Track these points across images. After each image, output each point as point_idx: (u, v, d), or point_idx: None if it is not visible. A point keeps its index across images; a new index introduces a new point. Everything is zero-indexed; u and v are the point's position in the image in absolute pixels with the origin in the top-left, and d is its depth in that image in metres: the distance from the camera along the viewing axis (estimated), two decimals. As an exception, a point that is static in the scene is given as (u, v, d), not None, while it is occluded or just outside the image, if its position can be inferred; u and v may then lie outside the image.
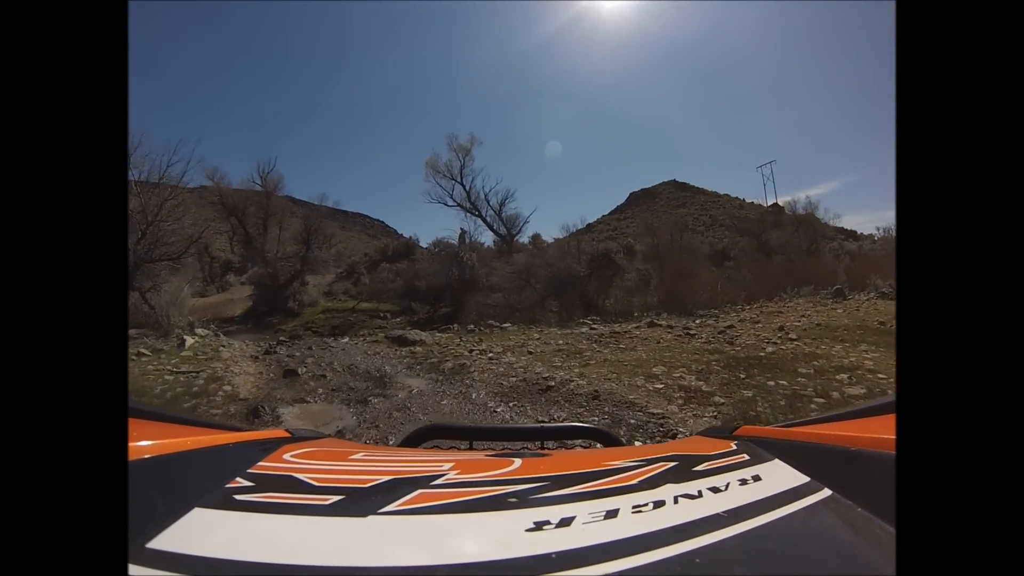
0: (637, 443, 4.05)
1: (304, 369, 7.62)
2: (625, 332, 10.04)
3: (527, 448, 1.17)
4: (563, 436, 1.32)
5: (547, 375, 6.44)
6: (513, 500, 0.49)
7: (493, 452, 0.88)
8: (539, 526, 0.43)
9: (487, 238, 28.86)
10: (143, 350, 8.36)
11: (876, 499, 0.45)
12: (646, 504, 0.48)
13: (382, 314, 18.81)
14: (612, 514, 0.45)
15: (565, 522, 0.43)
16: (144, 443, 0.57)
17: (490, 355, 8.25)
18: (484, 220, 29.16)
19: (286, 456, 0.67)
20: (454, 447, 1.21)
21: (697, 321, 11.28)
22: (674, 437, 4.19)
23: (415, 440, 1.27)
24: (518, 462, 0.68)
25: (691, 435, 1.49)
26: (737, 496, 0.50)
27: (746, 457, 0.65)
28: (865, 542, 0.41)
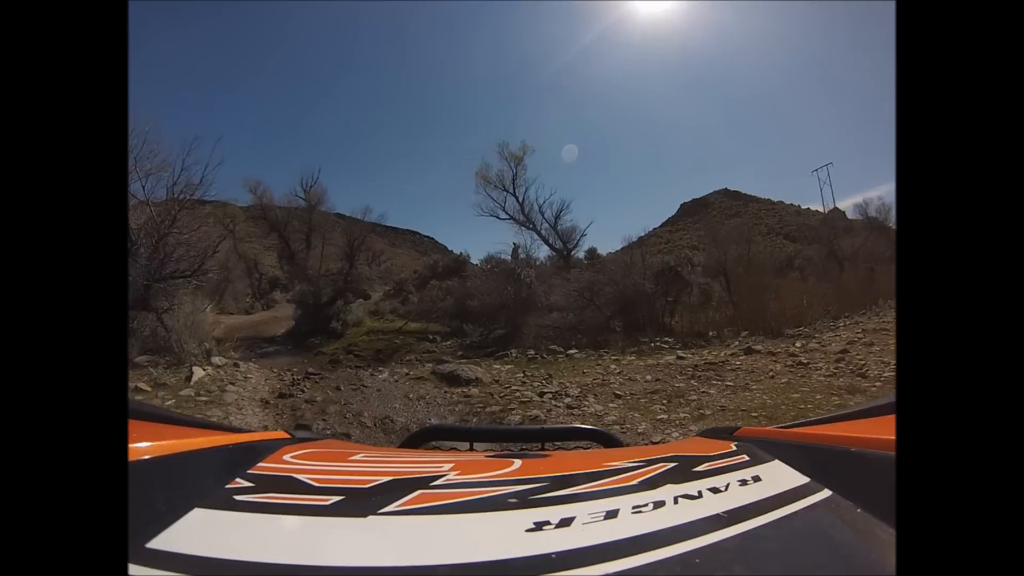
0: None
1: (323, 423, 6.09)
2: (721, 362, 8.46)
3: (527, 449, 1.18)
4: (563, 437, 1.36)
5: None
6: (513, 500, 0.50)
7: (493, 453, 0.88)
8: (539, 526, 0.43)
9: (541, 253, 27.05)
10: (142, 384, 6.77)
11: (876, 499, 0.44)
12: (646, 504, 0.48)
13: (431, 336, 17.12)
14: (612, 514, 0.45)
15: (565, 522, 0.43)
16: (144, 443, 0.56)
17: (567, 399, 6.74)
18: (539, 233, 26.46)
19: (286, 457, 0.67)
20: (454, 448, 1.22)
21: (798, 344, 9.47)
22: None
23: (415, 441, 1.28)
24: (518, 463, 0.68)
25: (691, 435, 1.45)
26: (737, 496, 0.50)
27: (746, 458, 0.65)
28: (865, 542, 0.41)
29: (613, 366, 9.23)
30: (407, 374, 9.30)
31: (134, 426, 0.53)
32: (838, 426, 0.73)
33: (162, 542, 0.39)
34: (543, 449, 1.24)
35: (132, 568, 0.35)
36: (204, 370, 8.07)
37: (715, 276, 16.43)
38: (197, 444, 0.64)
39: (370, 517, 0.45)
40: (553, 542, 0.40)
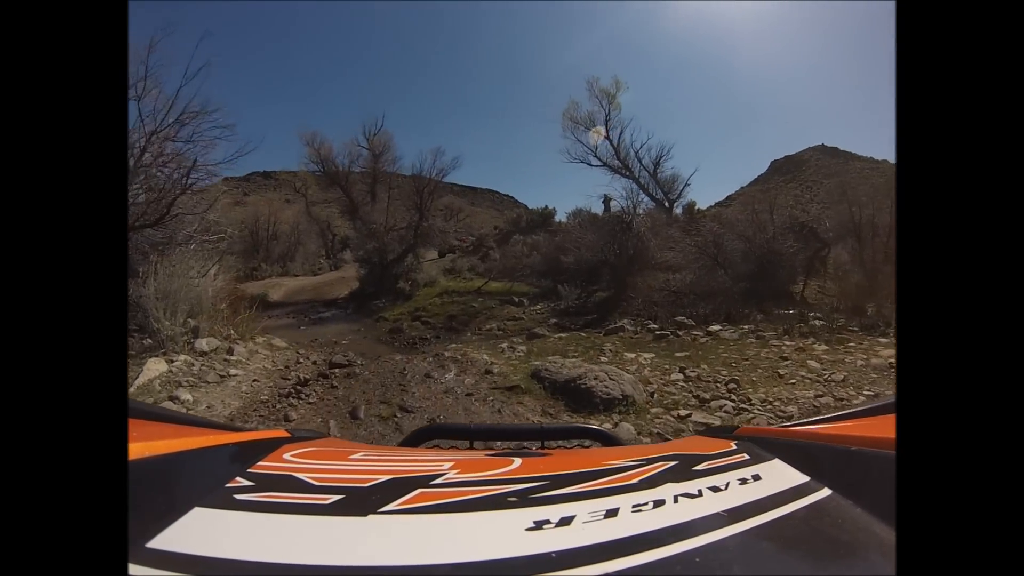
0: None
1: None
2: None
3: (527, 448, 1.19)
4: (563, 436, 1.32)
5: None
6: (513, 499, 0.50)
7: (493, 452, 0.89)
8: (539, 525, 0.43)
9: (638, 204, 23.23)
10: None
11: (876, 499, 0.45)
12: (646, 503, 0.48)
13: (516, 299, 14.24)
14: (612, 513, 0.45)
15: (565, 521, 0.43)
16: (144, 443, 0.56)
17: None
18: (637, 181, 22.60)
19: (286, 456, 0.67)
20: (454, 447, 1.21)
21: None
22: None
23: (415, 440, 1.26)
24: (518, 461, 0.68)
25: (691, 434, 1.43)
26: (737, 495, 0.50)
27: (746, 457, 0.65)
28: (865, 542, 0.41)
29: (795, 354, 6.53)
30: (488, 371, 5.96)
31: (134, 425, 0.53)
32: (838, 425, 0.74)
33: (162, 542, 0.39)
34: (543, 447, 1.22)
35: (132, 568, 0.35)
36: (171, 362, 5.35)
37: (840, 239, 12.87)
38: (197, 443, 0.63)
39: (370, 516, 0.45)
40: (553, 541, 0.40)
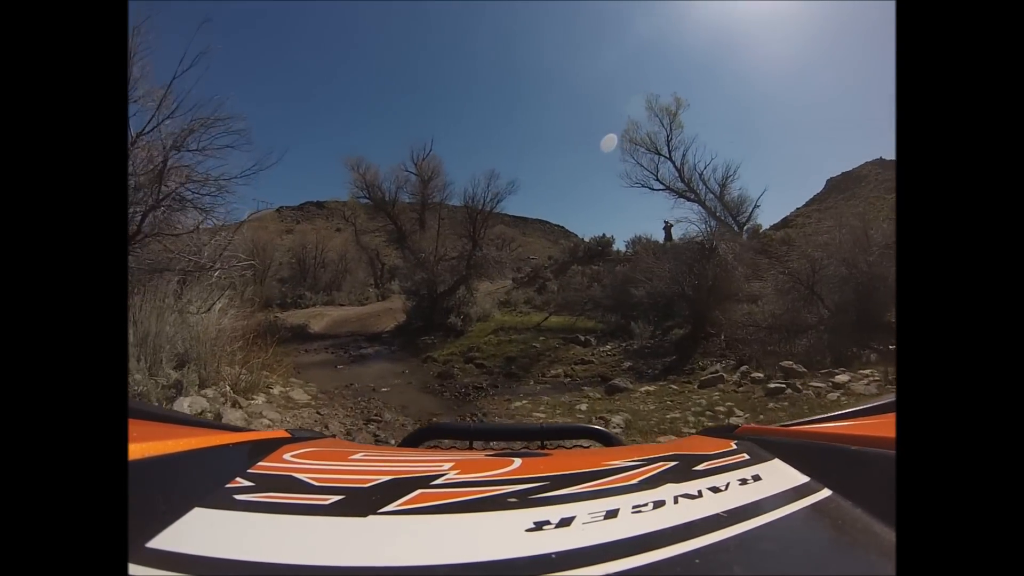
0: None
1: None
2: None
3: (527, 448, 1.19)
4: (563, 436, 1.32)
5: None
6: (513, 500, 0.50)
7: (493, 452, 0.89)
8: (539, 526, 0.43)
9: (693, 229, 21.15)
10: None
11: (876, 499, 0.45)
12: (646, 504, 0.48)
13: (582, 337, 12.39)
14: (612, 514, 0.45)
15: (565, 522, 0.44)
16: (144, 443, 0.56)
17: None
18: (703, 204, 20.95)
19: (286, 456, 0.67)
20: (454, 447, 1.23)
21: None
22: None
23: (415, 440, 1.27)
24: (518, 462, 0.68)
25: (691, 434, 1.41)
26: (737, 496, 0.50)
27: (746, 457, 0.65)
28: (865, 542, 0.41)
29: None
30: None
31: (134, 425, 0.53)
32: (838, 425, 0.75)
33: (162, 542, 0.39)
34: (543, 448, 1.23)
35: (132, 568, 0.35)
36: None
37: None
38: (197, 443, 0.64)
39: (370, 517, 0.45)
40: (553, 542, 0.40)
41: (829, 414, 0.84)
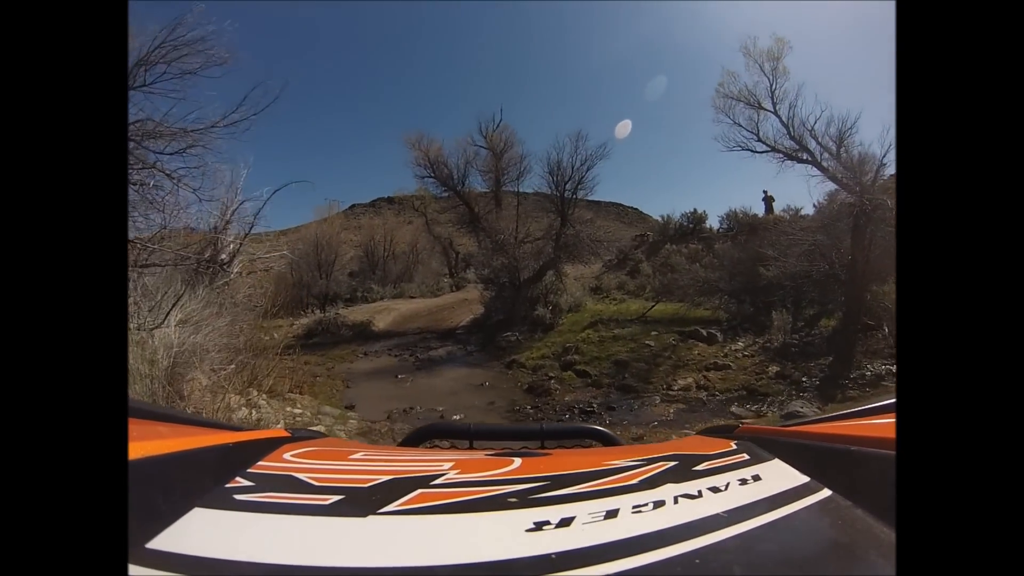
0: None
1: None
2: None
3: (527, 448, 1.18)
4: (563, 436, 1.31)
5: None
6: (513, 500, 0.50)
7: (493, 452, 0.87)
8: (539, 526, 0.43)
9: (796, 197, 18.42)
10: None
11: (876, 499, 0.45)
12: (646, 504, 0.48)
13: (703, 331, 9.83)
14: (612, 514, 0.45)
15: (565, 522, 0.44)
16: (144, 443, 0.56)
17: None
18: (818, 165, 17.40)
19: (286, 456, 0.67)
20: (454, 447, 1.23)
21: None
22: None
23: (415, 440, 1.26)
24: (518, 462, 0.68)
25: (691, 434, 1.44)
26: (737, 496, 0.50)
27: (746, 457, 0.65)
28: (865, 543, 0.41)
29: None
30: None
31: (134, 425, 0.53)
32: (838, 425, 0.74)
33: (162, 542, 0.39)
34: (543, 448, 1.22)
35: (132, 568, 0.35)
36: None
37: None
38: (197, 443, 0.63)
39: (370, 517, 0.45)
40: (553, 542, 0.40)
41: (829, 414, 0.85)
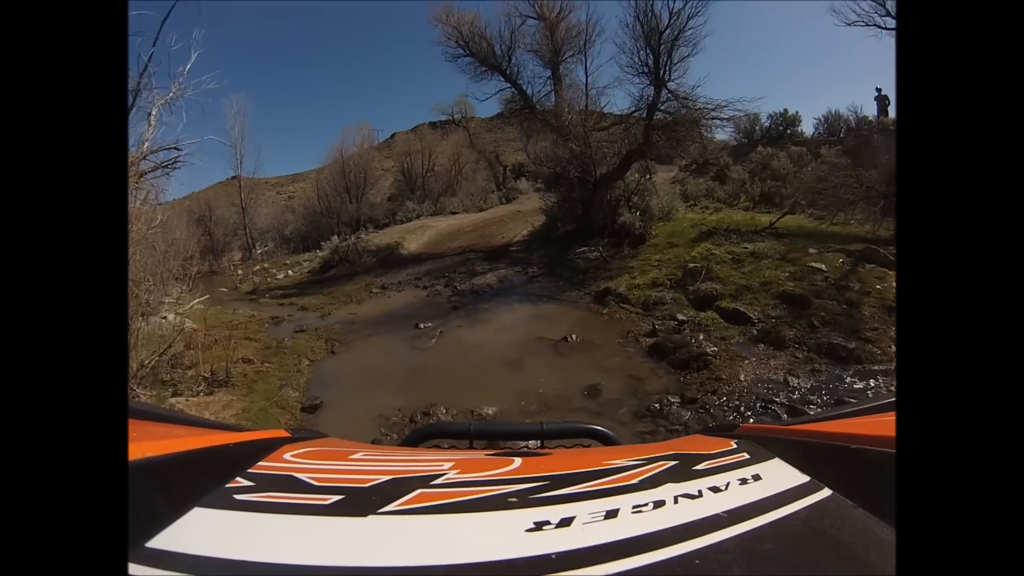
0: None
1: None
2: None
3: (527, 448, 1.19)
4: (563, 436, 1.29)
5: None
6: (513, 500, 0.49)
7: (493, 451, 0.87)
8: (539, 526, 0.43)
9: None
10: None
11: (876, 499, 0.44)
12: (646, 504, 0.47)
13: (880, 251, 6.60)
14: (612, 514, 0.45)
15: (565, 522, 0.43)
16: (144, 443, 0.56)
17: None
18: None
19: (286, 456, 0.66)
20: (454, 446, 1.19)
21: None
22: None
23: (415, 440, 1.23)
24: (518, 461, 0.67)
25: (691, 434, 1.37)
26: (737, 496, 0.50)
27: (746, 456, 0.64)
28: (865, 542, 0.40)
29: None
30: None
31: (134, 426, 0.53)
32: (838, 424, 0.72)
33: (162, 542, 0.39)
34: (543, 447, 1.20)
35: (132, 568, 0.35)
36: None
37: None
38: (197, 443, 0.63)
39: (370, 516, 0.45)
40: (553, 542, 0.40)
41: (829, 413, 0.83)
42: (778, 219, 8.77)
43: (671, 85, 9.44)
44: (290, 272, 14.39)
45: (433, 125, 34.47)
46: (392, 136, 39.27)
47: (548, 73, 12.92)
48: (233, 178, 26.31)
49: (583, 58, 11.80)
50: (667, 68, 9.65)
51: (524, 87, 12.93)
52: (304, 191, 28.90)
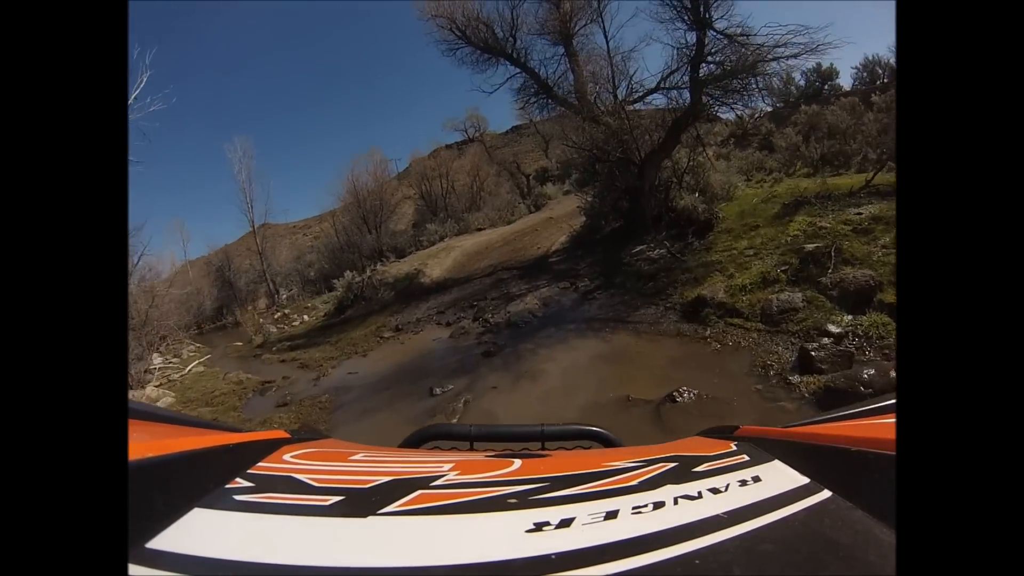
0: None
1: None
2: None
3: (527, 449, 1.13)
4: (563, 437, 1.28)
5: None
6: (513, 501, 0.49)
7: (493, 453, 0.87)
8: (539, 527, 0.43)
9: None
10: None
11: (876, 500, 0.44)
12: (646, 505, 0.47)
13: None
14: (612, 515, 0.45)
15: (565, 523, 0.43)
16: (144, 443, 0.56)
17: None
18: None
19: (286, 457, 0.66)
20: (454, 448, 1.19)
21: None
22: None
23: (415, 441, 1.24)
24: (518, 463, 0.67)
25: (691, 435, 1.31)
26: (737, 497, 0.50)
27: (746, 458, 0.64)
28: (865, 544, 0.41)
29: None
30: None
31: (134, 425, 0.52)
32: (838, 426, 0.72)
33: (162, 542, 0.39)
34: (543, 449, 1.21)
35: (132, 568, 0.35)
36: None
37: None
38: (197, 443, 0.62)
39: (370, 517, 0.45)
40: (553, 543, 0.40)
41: (829, 414, 0.82)
42: (874, 175, 7.32)
43: (718, 24, 7.53)
44: (306, 317, 13.09)
45: (448, 147, 33.79)
46: (409, 165, 38.90)
47: (561, 51, 11.37)
48: (263, 225, 25.75)
49: (600, 21, 10.17)
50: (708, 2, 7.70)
51: (535, 70, 11.35)
52: (326, 230, 28.27)
